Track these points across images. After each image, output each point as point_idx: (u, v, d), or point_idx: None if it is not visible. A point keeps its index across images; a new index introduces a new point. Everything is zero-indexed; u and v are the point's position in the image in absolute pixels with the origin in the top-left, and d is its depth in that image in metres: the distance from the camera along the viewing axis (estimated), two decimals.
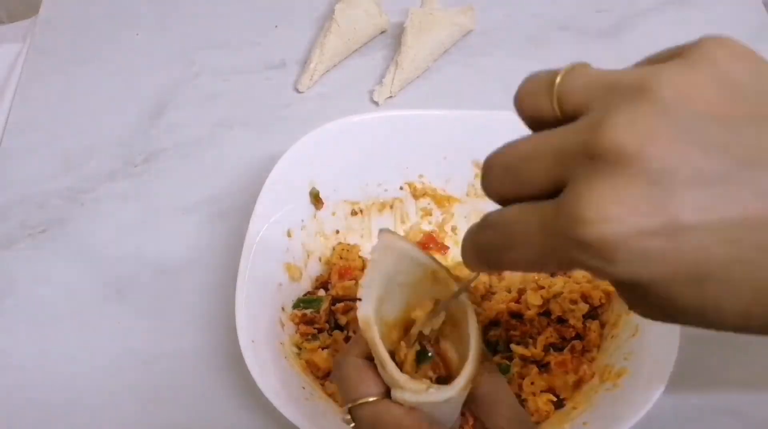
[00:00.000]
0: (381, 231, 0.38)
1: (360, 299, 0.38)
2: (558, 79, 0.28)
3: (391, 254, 0.38)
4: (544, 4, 0.82)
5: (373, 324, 0.37)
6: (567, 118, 0.28)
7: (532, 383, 0.52)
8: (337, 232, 0.61)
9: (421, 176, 0.62)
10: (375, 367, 0.39)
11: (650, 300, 0.27)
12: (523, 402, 0.52)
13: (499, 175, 0.29)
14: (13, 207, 0.68)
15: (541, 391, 0.52)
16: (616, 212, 0.24)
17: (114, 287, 0.63)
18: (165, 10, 0.83)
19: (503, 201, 0.30)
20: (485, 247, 0.30)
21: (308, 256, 0.59)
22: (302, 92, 0.76)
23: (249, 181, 0.67)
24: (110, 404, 0.57)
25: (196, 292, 0.62)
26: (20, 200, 0.69)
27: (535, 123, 0.30)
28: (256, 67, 0.78)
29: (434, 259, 0.39)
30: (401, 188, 0.62)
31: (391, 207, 0.63)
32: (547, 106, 0.29)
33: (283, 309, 0.56)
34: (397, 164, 0.61)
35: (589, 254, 0.25)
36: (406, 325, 0.39)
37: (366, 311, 0.37)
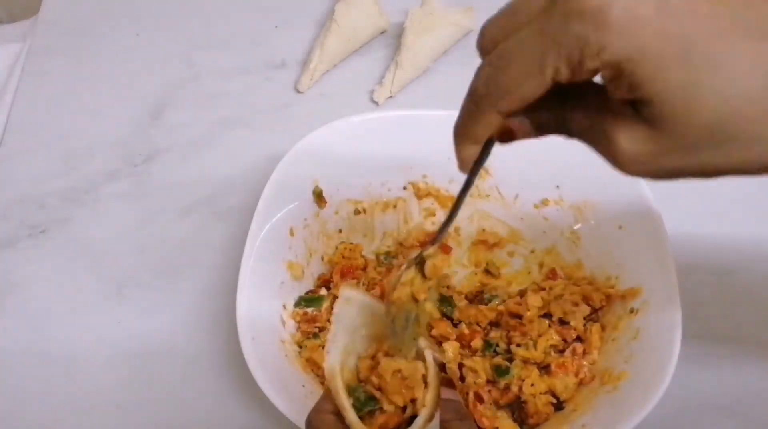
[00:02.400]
0: (342, 286, 0.41)
1: (327, 351, 0.40)
2: None
3: (352, 307, 0.41)
4: None
5: (337, 374, 0.39)
6: None
7: (533, 385, 0.52)
8: (340, 231, 0.61)
9: (424, 176, 0.62)
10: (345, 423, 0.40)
11: (635, 81, 0.27)
12: (523, 403, 0.52)
13: (501, 15, 0.31)
14: (13, 207, 0.68)
15: (541, 393, 0.52)
16: None
17: (114, 287, 0.63)
18: (165, 10, 0.83)
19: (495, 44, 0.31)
20: (483, 82, 0.31)
21: (310, 254, 0.59)
22: (302, 92, 0.76)
23: (249, 181, 0.67)
24: (110, 403, 0.57)
25: (196, 291, 0.62)
26: (20, 200, 0.69)
27: None
28: (256, 67, 0.78)
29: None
30: (405, 188, 0.62)
31: (395, 207, 0.63)
32: None
33: (284, 307, 0.56)
34: (401, 164, 0.61)
35: (591, 23, 0.26)
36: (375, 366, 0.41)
37: (332, 362, 0.40)
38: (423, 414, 0.38)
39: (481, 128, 0.33)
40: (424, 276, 0.40)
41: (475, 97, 0.32)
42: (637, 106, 0.28)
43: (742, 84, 0.26)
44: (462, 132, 0.34)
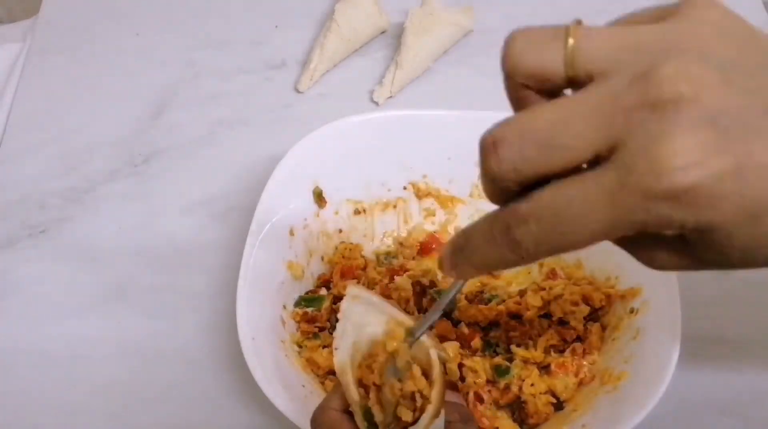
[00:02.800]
0: (349, 285, 0.42)
1: (336, 348, 0.40)
2: (571, 41, 0.28)
3: (359, 304, 0.41)
4: (544, 4, 0.82)
5: (348, 369, 0.39)
6: (577, 81, 0.27)
7: (533, 385, 0.52)
8: (340, 231, 0.61)
9: (425, 176, 0.62)
10: (352, 420, 0.40)
11: (710, 244, 0.27)
12: (523, 403, 0.52)
13: (521, 149, 0.26)
14: (13, 207, 0.68)
15: (541, 393, 0.52)
16: (698, 156, 0.24)
17: (114, 287, 0.63)
18: (165, 10, 0.83)
19: (519, 183, 0.27)
20: (533, 240, 0.27)
21: (311, 254, 0.59)
22: (302, 92, 0.76)
23: (249, 181, 0.67)
24: (111, 403, 0.57)
25: (196, 291, 0.62)
26: (20, 200, 0.69)
27: (537, 82, 0.28)
28: (256, 67, 0.78)
29: (398, 309, 0.41)
30: (405, 188, 0.62)
31: (395, 207, 0.63)
32: (555, 66, 0.27)
33: (284, 307, 0.56)
34: (401, 164, 0.61)
35: (677, 203, 0.25)
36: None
37: (342, 358, 0.40)
38: (429, 410, 0.38)
39: (502, 267, 0.30)
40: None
41: (520, 251, 0.28)
42: (688, 242, 0.28)
43: None
44: (479, 263, 0.30)
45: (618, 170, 0.25)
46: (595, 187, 0.26)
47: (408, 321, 0.40)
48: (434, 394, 0.38)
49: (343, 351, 0.40)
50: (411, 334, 0.39)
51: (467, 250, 0.30)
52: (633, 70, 0.26)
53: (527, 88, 0.29)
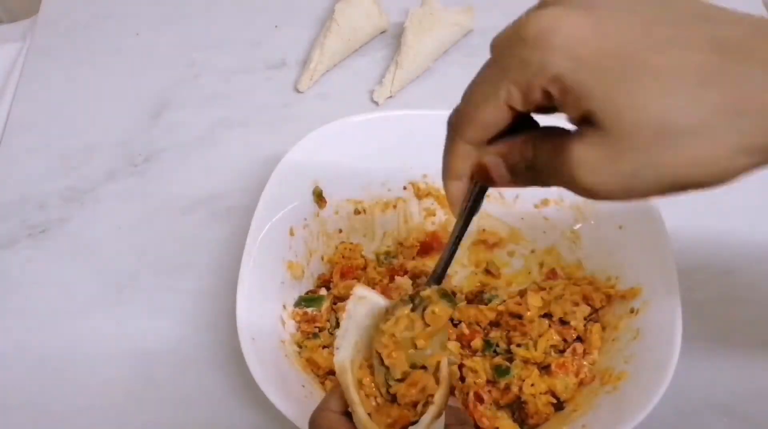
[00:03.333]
0: (356, 286, 0.41)
1: (337, 347, 0.40)
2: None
3: (364, 306, 0.41)
4: None
5: (348, 369, 0.39)
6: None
7: (533, 385, 0.52)
8: (340, 231, 0.61)
9: (425, 176, 0.62)
10: (350, 422, 0.40)
11: (580, 94, 0.29)
12: (523, 403, 0.52)
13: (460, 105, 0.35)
14: (13, 207, 0.68)
15: (542, 393, 0.52)
16: (559, 12, 0.29)
17: (114, 287, 0.63)
18: (165, 10, 0.83)
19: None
20: (453, 112, 0.35)
21: (310, 254, 0.59)
22: (302, 92, 0.76)
23: (249, 181, 0.67)
24: (110, 403, 0.57)
25: (196, 291, 0.62)
26: (20, 200, 0.69)
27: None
28: (256, 67, 0.78)
29: None
30: (405, 188, 0.62)
31: (395, 206, 0.63)
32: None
33: (284, 307, 0.56)
34: (401, 164, 0.61)
35: (528, 47, 0.29)
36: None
37: (342, 357, 0.39)
38: (431, 411, 0.38)
39: (459, 161, 0.35)
40: (424, 321, 0.40)
41: (449, 128, 0.35)
42: (587, 120, 0.30)
43: (678, 83, 0.27)
44: (444, 167, 0.36)
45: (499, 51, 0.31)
46: (490, 64, 0.33)
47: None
48: (438, 396, 0.38)
49: (345, 351, 0.40)
50: (433, 278, 0.40)
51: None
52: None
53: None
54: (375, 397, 0.40)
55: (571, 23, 0.29)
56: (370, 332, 0.41)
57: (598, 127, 0.29)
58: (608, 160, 0.29)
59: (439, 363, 0.39)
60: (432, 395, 0.39)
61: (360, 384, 0.40)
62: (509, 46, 0.31)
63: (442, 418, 0.38)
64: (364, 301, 0.41)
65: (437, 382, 0.39)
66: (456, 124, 0.34)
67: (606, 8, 0.29)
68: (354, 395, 0.39)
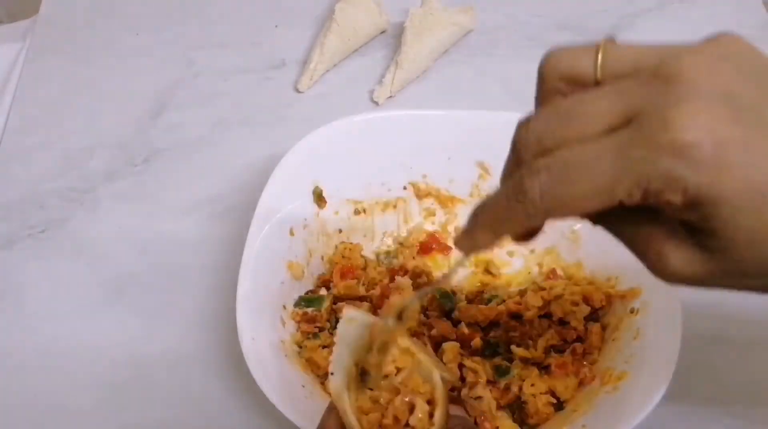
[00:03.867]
0: (345, 308, 0.41)
1: (332, 373, 0.40)
2: (601, 50, 0.30)
3: (355, 328, 0.40)
4: (544, 4, 0.82)
5: (344, 394, 0.39)
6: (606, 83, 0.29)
7: (533, 385, 0.52)
8: (340, 231, 0.61)
9: (425, 176, 0.62)
10: None
11: (709, 217, 0.27)
12: (523, 403, 0.52)
13: (548, 121, 0.29)
14: (13, 207, 0.68)
15: (542, 393, 0.52)
16: (707, 120, 0.26)
17: (114, 287, 0.63)
18: (165, 10, 0.83)
19: (541, 153, 0.29)
20: (540, 191, 0.28)
21: (310, 254, 0.59)
22: (302, 92, 0.76)
23: (249, 181, 0.67)
24: (110, 403, 0.57)
25: (196, 291, 0.62)
26: (20, 200, 0.69)
27: (569, 84, 0.31)
28: (256, 67, 0.78)
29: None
30: (405, 188, 0.62)
31: (395, 207, 0.63)
32: (588, 69, 0.30)
33: (284, 307, 0.56)
34: (401, 164, 0.61)
35: (681, 158, 0.26)
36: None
37: (336, 383, 0.39)
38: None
39: (517, 228, 0.31)
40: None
41: (526, 202, 0.29)
42: (696, 232, 0.28)
43: None
44: (490, 223, 0.31)
45: (630, 130, 0.27)
46: (607, 142, 0.27)
47: (405, 341, 0.40)
48: (438, 415, 0.38)
49: (338, 376, 0.39)
50: (401, 313, 0.39)
51: (481, 212, 0.31)
52: (652, 69, 0.28)
53: (558, 93, 0.31)
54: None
55: (719, 137, 0.26)
56: (361, 354, 0.40)
57: (708, 249, 0.28)
58: (704, 279, 0.29)
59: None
60: (432, 401, 0.39)
61: (360, 408, 0.39)
62: (649, 147, 0.26)
63: None
64: (355, 324, 0.41)
65: (434, 403, 0.39)
66: (542, 206, 0.29)
67: (752, 111, 0.27)
68: (352, 419, 0.38)
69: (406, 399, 0.39)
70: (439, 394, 0.39)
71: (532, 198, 0.29)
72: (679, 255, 0.29)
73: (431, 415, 0.38)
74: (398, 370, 0.39)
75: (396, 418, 0.38)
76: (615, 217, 0.31)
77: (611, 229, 0.32)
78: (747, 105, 0.27)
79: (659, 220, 0.29)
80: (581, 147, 0.28)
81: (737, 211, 0.27)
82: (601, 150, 0.27)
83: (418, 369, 0.40)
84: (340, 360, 0.40)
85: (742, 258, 0.28)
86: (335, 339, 0.41)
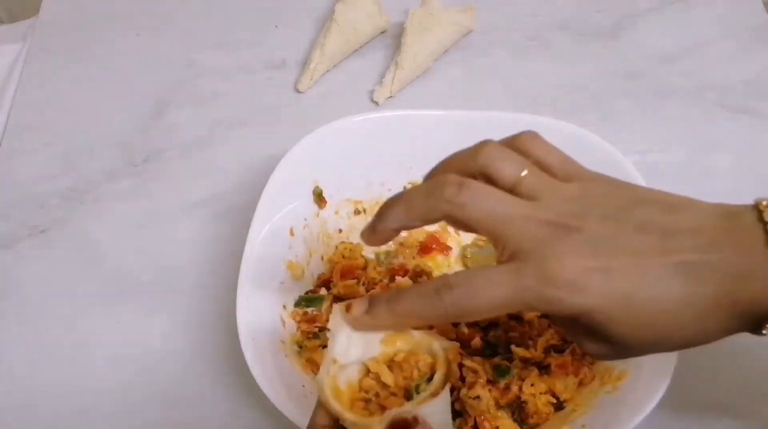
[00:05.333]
0: (335, 304, 0.42)
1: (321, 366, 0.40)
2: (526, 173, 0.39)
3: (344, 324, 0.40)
4: (544, 4, 0.82)
5: (324, 387, 0.39)
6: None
7: (533, 385, 0.52)
8: (340, 231, 0.61)
9: (425, 176, 0.62)
10: None
11: (590, 325, 0.37)
12: (523, 403, 0.52)
13: (484, 192, 0.38)
14: (14, 207, 0.68)
15: (541, 393, 0.52)
16: (576, 261, 0.36)
17: (114, 287, 0.63)
18: (165, 10, 0.83)
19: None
20: (451, 301, 0.37)
21: (310, 254, 0.59)
22: (302, 92, 0.76)
23: (249, 181, 0.67)
24: (110, 403, 0.57)
25: (196, 291, 0.63)
26: (20, 200, 0.69)
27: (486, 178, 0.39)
28: (256, 67, 0.78)
29: None
30: (405, 188, 0.62)
31: None
32: (505, 180, 0.39)
33: (284, 307, 0.56)
34: (400, 164, 0.61)
35: (557, 288, 0.35)
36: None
37: (319, 376, 0.40)
38: (428, 389, 0.38)
39: (424, 323, 0.40)
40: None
41: (440, 303, 0.37)
42: (593, 332, 0.38)
43: (666, 316, 0.36)
44: (401, 308, 0.39)
45: (521, 263, 0.36)
46: (504, 270, 0.36)
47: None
48: (436, 379, 0.38)
49: (323, 369, 0.40)
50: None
51: (396, 299, 0.38)
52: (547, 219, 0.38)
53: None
54: (365, 400, 0.40)
55: (581, 269, 0.35)
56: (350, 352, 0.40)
57: (605, 337, 0.37)
58: (613, 355, 0.39)
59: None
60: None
61: (339, 392, 0.39)
62: (537, 279, 0.36)
63: (445, 398, 0.38)
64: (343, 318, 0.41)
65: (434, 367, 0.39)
66: (451, 307, 0.37)
67: (609, 244, 0.36)
68: (335, 405, 0.39)
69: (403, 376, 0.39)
70: (439, 360, 0.39)
71: (445, 305, 0.37)
72: (591, 345, 0.38)
73: (429, 380, 0.39)
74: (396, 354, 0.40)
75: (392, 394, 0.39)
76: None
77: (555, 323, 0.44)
78: (605, 240, 0.36)
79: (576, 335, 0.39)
80: (484, 270, 0.37)
81: (608, 316, 0.36)
82: (500, 274, 0.36)
83: (417, 347, 0.40)
84: (328, 354, 0.40)
85: (628, 344, 0.37)
86: (328, 334, 0.41)
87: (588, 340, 0.38)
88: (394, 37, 0.79)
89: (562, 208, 0.37)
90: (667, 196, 0.39)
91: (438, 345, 0.40)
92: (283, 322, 0.55)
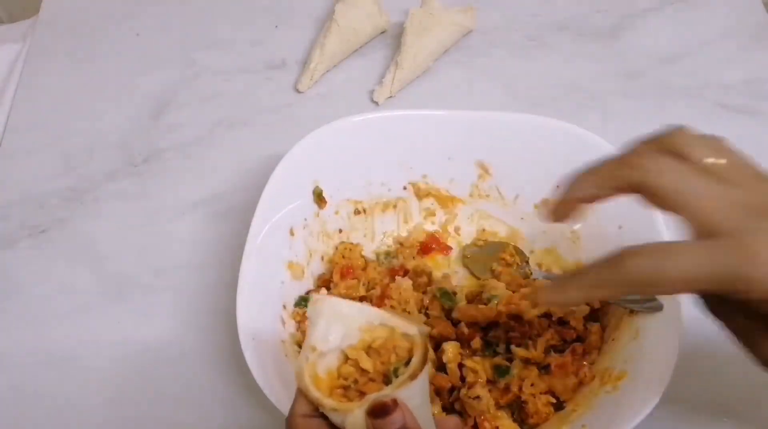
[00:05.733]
0: (312, 294, 0.40)
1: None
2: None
3: (323, 309, 0.40)
4: (544, 4, 0.82)
5: (302, 374, 0.39)
6: None
7: (532, 385, 0.52)
8: (340, 231, 0.61)
9: (425, 176, 0.62)
10: (320, 419, 0.39)
11: None
12: (523, 403, 0.52)
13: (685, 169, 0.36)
14: (14, 207, 0.69)
15: (541, 393, 0.52)
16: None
17: (114, 286, 0.63)
18: (165, 10, 0.83)
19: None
20: (632, 265, 0.35)
21: (311, 254, 0.59)
22: (302, 92, 0.76)
23: (249, 181, 0.67)
24: (110, 403, 0.57)
25: (196, 291, 0.63)
26: (20, 200, 0.69)
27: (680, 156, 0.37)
28: (256, 67, 0.78)
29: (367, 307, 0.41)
30: (405, 188, 0.62)
31: (395, 207, 0.63)
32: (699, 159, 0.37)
33: (284, 307, 0.56)
34: (401, 164, 0.61)
35: (763, 269, 0.33)
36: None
37: (299, 363, 0.39)
38: (407, 372, 0.38)
39: (607, 294, 0.39)
40: None
41: (622, 271, 0.35)
42: None
43: None
44: (585, 281, 0.37)
45: (719, 240, 0.34)
46: (701, 245, 0.34)
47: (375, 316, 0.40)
48: (413, 362, 0.39)
49: (302, 356, 0.40)
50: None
51: (582, 273, 0.37)
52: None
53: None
54: (344, 387, 0.40)
55: None
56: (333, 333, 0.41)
57: None
58: None
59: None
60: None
61: (318, 379, 0.40)
62: (723, 251, 0.34)
63: (423, 382, 0.38)
64: (320, 303, 0.41)
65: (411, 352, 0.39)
66: (638, 279, 0.35)
67: None
68: (315, 393, 0.39)
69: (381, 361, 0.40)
70: (416, 344, 0.39)
71: (628, 272, 0.35)
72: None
73: (407, 364, 0.39)
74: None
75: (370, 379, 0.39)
76: (728, 313, 0.39)
77: (726, 323, 0.40)
78: None
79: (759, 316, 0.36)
80: (678, 242, 0.35)
81: None
82: (697, 250, 0.34)
83: (394, 332, 0.40)
84: (306, 343, 0.40)
85: None
86: (307, 324, 0.41)
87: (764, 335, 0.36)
88: (394, 37, 0.79)
89: (763, 196, 0.35)
90: None
91: (415, 329, 0.40)
92: (283, 322, 0.55)
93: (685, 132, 0.37)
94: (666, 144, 0.37)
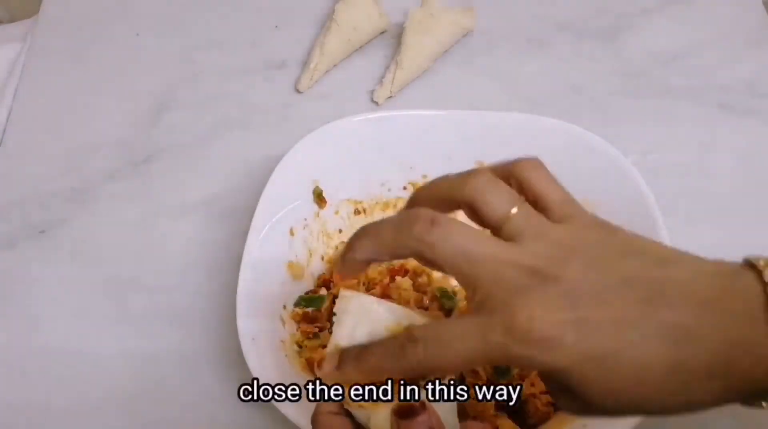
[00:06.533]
0: (341, 289, 0.42)
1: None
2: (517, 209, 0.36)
3: (351, 305, 0.40)
4: (544, 4, 0.82)
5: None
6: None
7: (533, 385, 0.52)
8: (340, 231, 0.61)
9: (425, 176, 0.62)
10: (348, 420, 0.39)
11: (563, 384, 0.33)
12: (523, 403, 0.52)
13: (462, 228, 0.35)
14: (14, 207, 0.68)
15: (542, 393, 0.52)
16: (548, 315, 0.32)
17: (114, 287, 0.63)
18: (165, 9, 0.83)
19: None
20: (413, 355, 0.35)
21: (310, 254, 0.59)
22: (302, 92, 0.76)
23: (249, 181, 0.67)
24: (110, 403, 0.57)
25: (196, 292, 0.63)
26: (20, 200, 0.69)
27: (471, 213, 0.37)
28: (256, 67, 0.78)
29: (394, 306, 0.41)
30: (405, 188, 0.62)
31: (395, 207, 0.63)
32: (495, 218, 0.36)
33: (284, 307, 0.56)
34: (400, 164, 0.61)
35: (531, 346, 0.32)
36: None
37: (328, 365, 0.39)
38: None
39: (384, 374, 0.37)
40: None
41: (405, 360, 0.35)
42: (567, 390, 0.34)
43: (648, 382, 0.33)
44: (368, 364, 0.37)
45: (488, 315, 0.33)
46: (471, 323, 0.33)
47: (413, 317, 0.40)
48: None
49: (331, 360, 0.40)
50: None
51: (362, 356, 0.37)
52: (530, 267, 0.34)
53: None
54: None
55: (555, 322, 0.32)
56: (359, 330, 0.40)
57: (578, 396, 0.34)
58: (584, 411, 0.35)
59: None
60: None
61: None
62: (505, 335, 0.32)
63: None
64: (348, 300, 0.41)
65: None
66: (417, 364, 0.35)
67: (590, 295, 0.33)
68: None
69: None
70: None
71: (410, 361, 0.35)
72: (565, 402, 0.35)
73: None
74: None
75: None
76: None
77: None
78: (585, 291, 0.33)
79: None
80: (451, 323, 0.35)
81: (582, 377, 0.32)
82: (467, 330, 0.33)
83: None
84: (332, 338, 0.40)
85: (605, 406, 0.34)
86: (333, 319, 0.41)
87: (562, 396, 0.35)
88: (394, 37, 0.79)
89: (542, 253, 0.34)
90: (662, 249, 0.36)
91: (416, 319, 0.39)
92: (283, 322, 0.55)
93: (478, 180, 0.36)
94: (456, 196, 0.36)
